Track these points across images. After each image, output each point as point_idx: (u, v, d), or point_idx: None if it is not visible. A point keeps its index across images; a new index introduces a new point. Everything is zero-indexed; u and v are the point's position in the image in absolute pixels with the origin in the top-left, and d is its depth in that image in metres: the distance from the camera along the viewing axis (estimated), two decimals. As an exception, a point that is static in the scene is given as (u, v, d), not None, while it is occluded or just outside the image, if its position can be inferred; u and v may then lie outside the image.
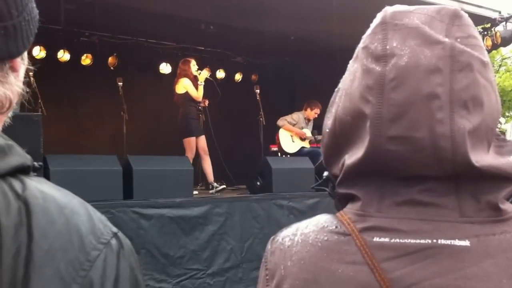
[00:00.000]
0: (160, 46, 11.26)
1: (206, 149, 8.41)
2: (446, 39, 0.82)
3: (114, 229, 0.79)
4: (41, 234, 0.72)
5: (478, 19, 9.33)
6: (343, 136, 0.87)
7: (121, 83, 9.14)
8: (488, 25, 9.83)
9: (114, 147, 8.98)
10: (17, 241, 0.70)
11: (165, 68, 11.43)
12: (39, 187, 0.76)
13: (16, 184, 0.74)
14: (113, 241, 0.78)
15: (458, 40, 0.83)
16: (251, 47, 11.19)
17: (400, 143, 0.80)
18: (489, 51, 10.01)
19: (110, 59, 10.74)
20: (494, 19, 9.70)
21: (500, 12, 9.78)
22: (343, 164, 0.87)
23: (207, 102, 8.74)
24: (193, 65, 8.49)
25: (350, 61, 0.90)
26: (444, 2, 8.18)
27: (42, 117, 5.47)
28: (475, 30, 0.87)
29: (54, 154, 6.22)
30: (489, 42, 9.70)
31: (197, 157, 8.55)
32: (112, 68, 10.72)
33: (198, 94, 8.35)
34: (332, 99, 0.92)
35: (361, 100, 0.83)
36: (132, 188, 6.30)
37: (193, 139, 8.25)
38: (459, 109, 0.79)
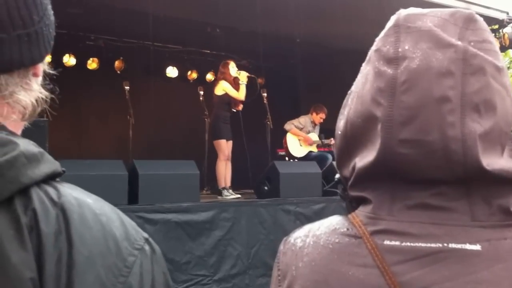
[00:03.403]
0: (167, 50, 11.26)
1: (230, 155, 8.39)
2: (459, 42, 0.81)
3: (145, 235, 0.81)
4: (80, 241, 0.73)
5: (485, 20, 9.18)
6: (354, 139, 0.87)
7: (128, 87, 9.13)
8: (496, 26, 9.69)
9: (120, 151, 8.96)
10: (58, 248, 0.71)
11: (171, 71, 11.46)
12: (73, 194, 0.77)
13: (51, 191, 0.75)
14: (146, 247, 0.79)
15: (472, 44, 0.82)
16: (257, 50, 11.16)
17: (411, 146, 0.79)
18: (497, 53, 9.90)
19: (117, 63, 10.78)
20: (502, 20, 9.53)
21: (508, 13, 9.59)
22: (353, 167, 0.87)
23: (241, 106, 8.64)
24: (232, 67, 8.46)
25: (363, 64, 0.90)
26: (451, 2, 8.10)
27: (48, 121, 5.44)
28: (491, 35, 0.86)
29: (60, 159, 6.17)
30: (497, 44, 9.57)
31: (202, 160, 8.53)
32: (118, 72, 10.75)
33: (239, 94, 8.32)
34: (344, 101, 0.91)
35: (373, 103, 0.83)
36: (137, 193, 6.28)
37: (223, 141, 8.24)
38: (471, 113, 0.79)
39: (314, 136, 9.95)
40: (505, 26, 9.66)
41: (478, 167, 0.78)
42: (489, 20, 9.37)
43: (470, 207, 0.80)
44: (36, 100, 0.82)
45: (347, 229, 0.86)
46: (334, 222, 0.90)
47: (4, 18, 0.76)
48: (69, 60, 10.18)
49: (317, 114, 9.93)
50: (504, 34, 9.61)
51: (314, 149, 9.90)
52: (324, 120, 9.90)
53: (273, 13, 8.33)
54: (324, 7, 8.17)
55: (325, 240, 0.87)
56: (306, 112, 10.16)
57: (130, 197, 6.23)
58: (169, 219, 6.24)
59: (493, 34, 9.56)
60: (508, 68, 22.60)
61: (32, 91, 0.81)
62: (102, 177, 6.00)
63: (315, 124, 10.05)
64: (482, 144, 0.78)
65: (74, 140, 10.31)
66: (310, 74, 11.92)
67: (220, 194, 8.10)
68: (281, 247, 0.95)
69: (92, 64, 10.60)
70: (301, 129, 9.87)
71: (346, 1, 7.87)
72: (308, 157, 9.67)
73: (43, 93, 0.84)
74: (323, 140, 9.84)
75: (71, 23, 8.90)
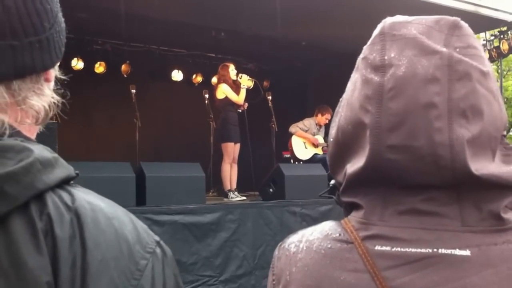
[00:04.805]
0: (172, 53, 11.31)
1: (237, 157, 8.41)
2: (444, 49, 0.83)
3: (156, 238, 0.83)
4: (94, 245, 0.74)
5: (494, 22, 9.18)
6: (345, 145, 0.89)
7: (134, 90, 9.20)
8: (504, 28, 9.63)
9: (127, 153, 9.00)
10: (72, 252, 0.73)
11: (177, 75, 11.50)
12: (86, 198, 0.79)
13: (65, 195, 0.77)
14: (158, 250, 0.81)
15: (457, 50, 0.83)
16: (262, 53, 11.19)
17: (400, 152, 0.81)
18: (505, 55, 9.82)
19: (123, 67, 10.82)
20: (510, 22, 9.46)
21: (516, 15, 9.57)
22: (345, 173, 0.88)
23: (246, 105, 8.60)
24: (231, 70, 8.45)
25: (353, 72, 0.91)
26: (460, 5, 8.08)
27: (58, 124, 5.44)
28: (476, 41, 0.87)
29: (68, 162, 6.20)
30: (506, 46, 9.48)
31: (208, 163, 8.57)
32: (125, 75, 10.78)
33: (238, 98, 8.28)
34: (336, 109, 0.93)
35: (361, 110, 0.85)
36: (145, 195, 6.34)
37: (231, 144, 8.23)
38: (458, 118, 0.80)
39: (320, 139, 9.95)
40: (513, 28, 9.60)
41: (467, 172, 0.79)
42: (497, 22, 9.30)
43: (460, 212, 0.81)
44: (48, 105, 0.84)
45: (339, 235, 0.87)
46: (326, 227, 0.91)
47: (16, 26, 0.78)
48: (77, 64, 10.20)
49: (322, 115, 9.91)
50: (512, 36, 9.55)
51: (319, 151, 9.90)
52: (329, 121, 9.89)
53: (278, 16, 8.36)
54: (328, 10, 8.18)
55: (318, 245, 0.88)
56: (311, 115, 10.15)
57: (138, 198, 6.29)
58: (176, 221, 6.29)
59: (502, 36, 9.52)
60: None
61: (44, 96, 0.83)
62: (110, 179, 6.06)
63: (320, 126, 10.03)
64: (470, 149, 0.79)
65: (82, 143, 10.31)
66: (315, 77, 11.93)
67: (226, 196, 8.15)
68: (276, 252, 0.96)
69: (100, 68, 10.66)
70: (305, 132, 9.86)
71: (351, 4, 7.89)
72: (313, 159, 9.65)
73: (55, 98, 0.86)
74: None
75: (79, 28, 8.96)
